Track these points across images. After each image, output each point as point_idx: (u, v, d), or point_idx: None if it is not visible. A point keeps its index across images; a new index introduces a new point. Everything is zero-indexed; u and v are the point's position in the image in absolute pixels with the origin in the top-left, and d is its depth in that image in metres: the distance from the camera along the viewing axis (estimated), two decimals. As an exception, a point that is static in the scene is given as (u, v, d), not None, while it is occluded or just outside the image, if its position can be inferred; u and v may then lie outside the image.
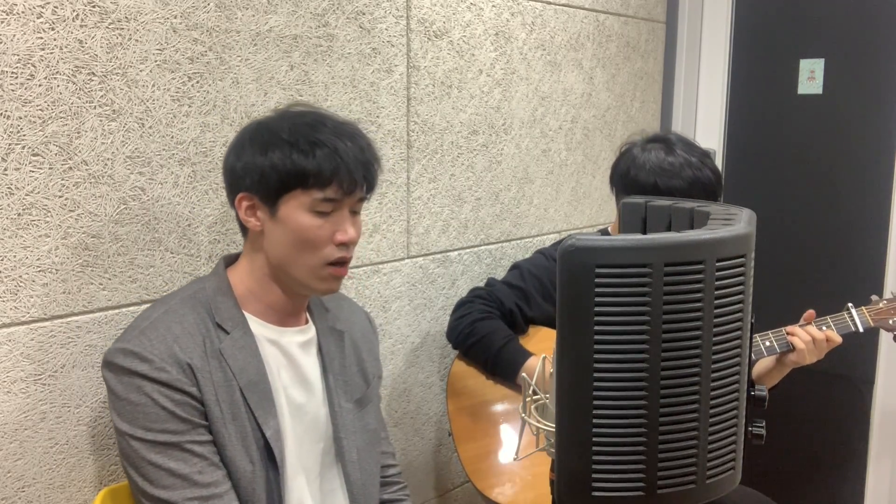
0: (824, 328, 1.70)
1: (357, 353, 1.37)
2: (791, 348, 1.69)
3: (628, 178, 1.64)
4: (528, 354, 1.66)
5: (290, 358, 1.26)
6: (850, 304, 1.73)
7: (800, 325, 1.71)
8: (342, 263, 1.22)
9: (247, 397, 1.18)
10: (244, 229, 1.25)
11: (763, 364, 1.76)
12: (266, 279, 1.23)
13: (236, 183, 1.20)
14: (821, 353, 1.69)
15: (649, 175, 1.60)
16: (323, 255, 1.19)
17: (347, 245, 1.21)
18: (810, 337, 1.67)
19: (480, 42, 1.93)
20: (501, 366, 1.68)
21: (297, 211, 1.17)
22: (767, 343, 1.70)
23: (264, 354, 1.22)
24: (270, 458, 1.19)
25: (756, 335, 1.72)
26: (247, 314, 1.23)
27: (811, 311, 1.72)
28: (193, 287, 1.23)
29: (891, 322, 1.74)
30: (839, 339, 1.69)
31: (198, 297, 1.21)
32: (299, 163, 1.15)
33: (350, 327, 1.37)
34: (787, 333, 1.70)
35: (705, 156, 1.62)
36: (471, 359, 1.74)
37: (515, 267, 1.84)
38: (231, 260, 1.28)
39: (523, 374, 0.99)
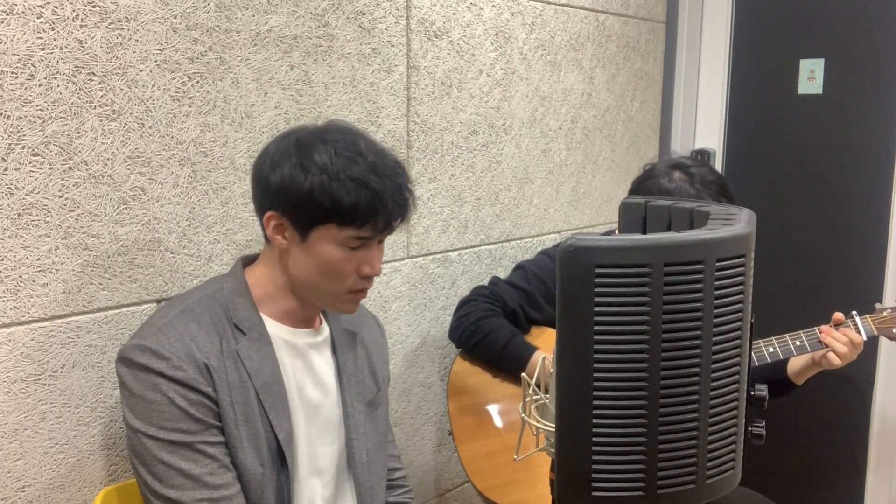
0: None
1: (368, 355, 1.38)
2: (822, 348, 1.68)
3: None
4: (533, 349, 1.67)
5: (305, 359, 1.26)
6: (854, 312, 1.72)
7: (831, 327, 1.70)
8: (363, 290, 1.23)
9: (262, 399, 1.17)
10: (267, 238, 1.23)
11: (798, 363, 1.76)
12: (285, 289, 1.23)
13: (268, 199, 1.18)
14: (859, 350, 1.69)
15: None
16: (346, 284, 1.20)
17: (371, 277, 1.21)
18: (849, 339, 1.66)
19: (480, 42, 1.93)
20: (508, 361, 1.68)
21: (328, 244, 1.16)
22: (798, 343, 1.70)
23: (280, 356, 1.22)
24: (282, 461, 1.19)
25: (773, 338, 1.72)
26: (263, 315, 1.22)
27: (839, 314, 1.72)
28: (211, 287, 1.23)
29: (894, 331, 1.73)
30: (860, 339, 1.69)
31: (215, 297, 1.21)
32: (339, 200, 1.13)
33: (361, 329, 1.38)
34: (820, 333, 1.69)
35: (723, 185, 1.64)
36: (476, 356, 1.74)
37: (520, 267, 1.84)
38: (249, 261, 1.28)
39: (524, 375, 0.99)
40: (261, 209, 1.20)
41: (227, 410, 1.15)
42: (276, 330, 1.23)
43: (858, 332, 1.71)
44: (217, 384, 1.14)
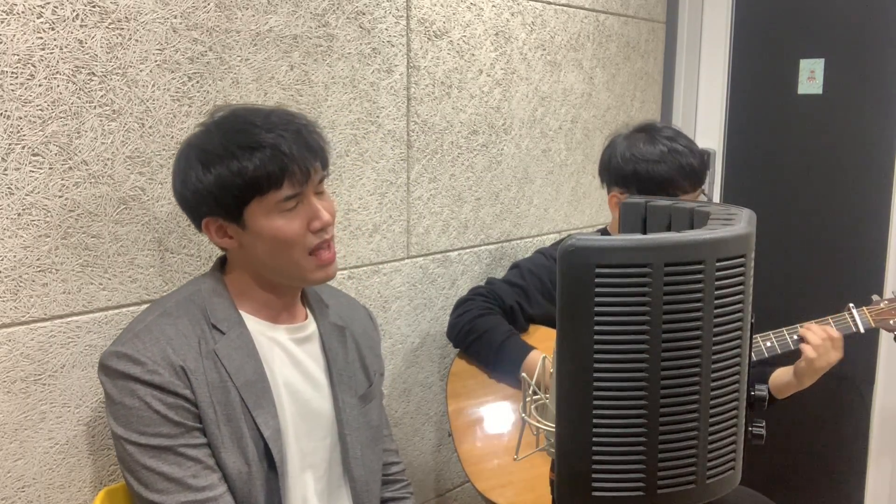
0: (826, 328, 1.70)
1: (358, 349, 1.37)
2: (799, 346, 1.65)
3: (611, 167, 1.67)
4: (529, 349, 1.66)
5: (291, 355, 1.26)
6: (851, 305, 1.73)
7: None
8: (325, 247, 1.21)
9: (244, 398, 1.17)
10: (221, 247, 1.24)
11: (781, 379, 1.74)
12: (257, 281, 1.23)
13: (194, 210, 1.19)
14: (838, 352, 1.64)
15: (629, 163, 1.61)
16: (303, 246, 1.18)
17: (324, 229, 1.20)
18: (826, 334, 1.63)
19: (480, 42, 1.93)
20: (503, 361, 1.67)
21: (264, 218, 1.16)
22: (795, 337, 1.68)
23: (264, 353, 1.22)
24: (269, 458, 1.19)
25: (770, 332, 1.71)
26: (243, 313, 1.22)
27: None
28: (189, 289, 1.23)
29: (892, 322, 1.73)
30: (838, 335, 1.66)
31: (193, 298, 1.21)
32: (245, 173, 1.12)
33: (350, 323, 1.37)
34: (801, 329, 1.67)
35: (690, 142, 1.63)
36: (472, 356, 1.74)
37: (515, 266, 1.84)
38: (226, 259, 1.28)
39: (523, 374, 0.99)
40: (197, 223, 1.20)
41: (208, 411, 1.15)
42: (257, 327, 1.23)
43: (856, 325, 1.71)
44: (195, 386, 1.14)
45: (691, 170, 1.60)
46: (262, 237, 1.17)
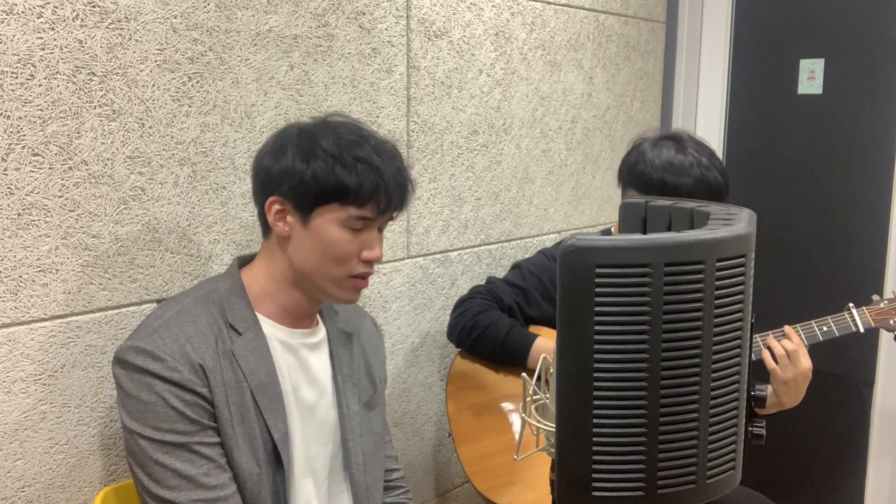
0: (824, 328, 1.69)
1: (365, 356, 1.38)
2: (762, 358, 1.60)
3: (636, 171, 1.64)
4: (534, 337, 1.67)
5: (300, 359, 1.26)
6: (850, 305, 1.72)
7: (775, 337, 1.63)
8: (364, 277, 1.23)
9: (257, 399, 1.18)
10: (266, 230, 1.25)
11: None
12: (285, 282, 1.23)
13: (270, 185, 1.20)
14: (797, 366, 1.57)
15: (656, 171, 1.60)
16: (347, 268, 1.20)
17: (372, 262, 1.22)
18: (782, 350, 1.57)
19: (480, 42, 1.93)
20: (510, 351, 1.67)
21: (329, 224, 1.18)
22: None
23: (275, 356, 1.22)
24: (278, 461, 1.19)
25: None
26: (259, 315, 1.23)
27: (789, 328, 1.65)
28: (206, 287, 1.23)
29: (892, 322, 1.73)
30: (793, 347, 1.58)
31: (211, 297, 1.21)
32: (342, 178, 1.15)
33: (358, 331, 1.38)
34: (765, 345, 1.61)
35: (714, 157, 1.62)
36: (477, 352, 1.74)
37: (516, 266, 1.84)
38: (245, 261, 1.29)
39: (524, 374, 0.99)
40: (262, 197, 1.21)
41: (223, 411, 1.15)
42: (271, 330, 1.23)
43: (856, 325, 1.70)
44: (212, 385, 1.14)
45: (716, 185, 1.59)
46: (318, 239, 1.18)
